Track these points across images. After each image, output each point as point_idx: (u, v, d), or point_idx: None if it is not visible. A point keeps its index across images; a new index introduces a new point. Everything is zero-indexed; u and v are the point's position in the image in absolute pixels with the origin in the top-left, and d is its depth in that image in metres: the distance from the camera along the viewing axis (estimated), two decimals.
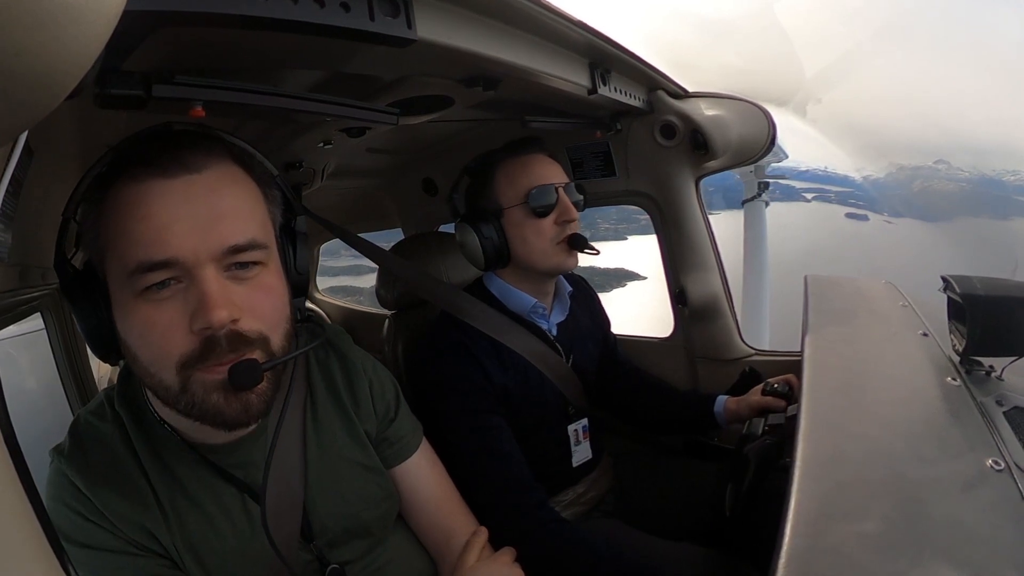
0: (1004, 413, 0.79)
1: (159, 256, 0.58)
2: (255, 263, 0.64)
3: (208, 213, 0.61)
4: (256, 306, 0.63)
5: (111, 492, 0.67)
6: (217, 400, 0.61)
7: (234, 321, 0.60)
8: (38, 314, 1.73)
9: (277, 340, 0.66)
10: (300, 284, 0.76)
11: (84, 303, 0.63)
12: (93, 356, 2.03)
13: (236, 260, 0.62)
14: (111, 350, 0.66)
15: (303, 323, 0.78)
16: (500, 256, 1.21)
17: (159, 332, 0.59)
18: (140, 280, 0.59)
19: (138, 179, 0.60)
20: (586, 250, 1.21)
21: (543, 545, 1.02)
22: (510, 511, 1.03)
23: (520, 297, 1.25)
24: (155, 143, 0.63)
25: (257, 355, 0.63)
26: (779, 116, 1.41)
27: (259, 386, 0.63)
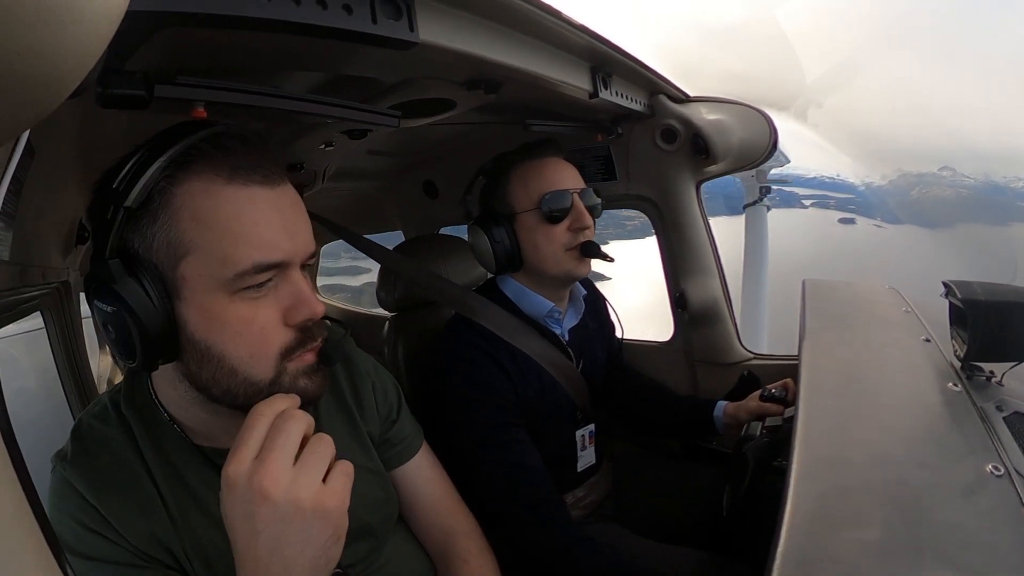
0: (1004, 418, 0.78)
1: (274, 258, 0.63)
2: (307, 265, 0.71)
3: (296, 222, 0.67)
4: None
5: (118, 499, 0.66)
6: (305, 384, 0.66)
7: None
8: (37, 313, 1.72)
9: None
10: None
11: (146, 302, 0.59)
12: (92, 355, 2.02)
13: (306, 263, 0.70)
14: (167, 352, 0.62)
15: None
16: (512, 260, 1.20)
17: (258, 328, 0.64)
18: (247, 280, 0.62)
19: (235, 183, 0.62)
20: (599, 258, 1.19)
21: (577, 562, 1.02)
22: (541, 527, 1.04)
23: (537, 301, 1.23)
24: (237, 148, 0.63)
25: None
26: (780, 121, 1.41)
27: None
